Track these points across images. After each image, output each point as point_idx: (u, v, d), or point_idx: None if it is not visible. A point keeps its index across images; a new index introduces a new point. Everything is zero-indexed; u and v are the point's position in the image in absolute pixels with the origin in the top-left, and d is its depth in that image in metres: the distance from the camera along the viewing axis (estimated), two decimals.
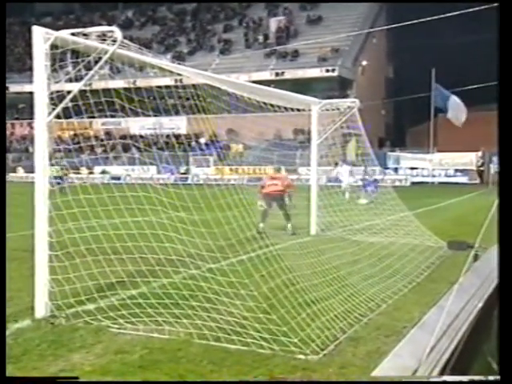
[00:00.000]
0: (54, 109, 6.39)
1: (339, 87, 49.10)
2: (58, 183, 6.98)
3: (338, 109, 13.46)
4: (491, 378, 2.21)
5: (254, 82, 15.66)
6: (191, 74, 8.78)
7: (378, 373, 2.25)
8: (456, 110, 34.97)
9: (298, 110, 13.19)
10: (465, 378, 2.11)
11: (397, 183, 35.68)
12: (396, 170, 44.64)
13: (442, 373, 2.28)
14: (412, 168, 44.71)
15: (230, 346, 5.32)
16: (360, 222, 13.14)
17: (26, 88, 49.55)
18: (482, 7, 23.07)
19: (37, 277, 6.32)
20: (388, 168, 43.36)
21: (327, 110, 13.54)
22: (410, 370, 2.21)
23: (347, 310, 6.28)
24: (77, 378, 3.76)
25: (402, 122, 63.38)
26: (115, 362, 5.00)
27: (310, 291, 6.49)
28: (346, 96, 41.93)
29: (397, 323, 6.11)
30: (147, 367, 4.87)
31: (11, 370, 4.76)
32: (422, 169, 44.52)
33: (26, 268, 6.91)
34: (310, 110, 13.06)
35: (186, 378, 4.63)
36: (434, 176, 43.66)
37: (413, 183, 40.54)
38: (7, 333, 5.73)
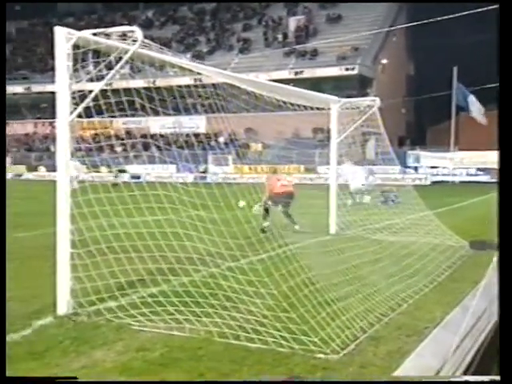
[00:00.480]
0: (75, 108, 6.44)
1: (359, 86, 48.85)
2: (78, 182, 7.04)
3: (358, 107, 13.38)
4: (491, 378, 2.18)
5: (273, 80, 15.67)
6: (211, 72, 8.81)
7: (399, 373, 2.23)
8: (477, 108, 34.67)
9: (318, 108, 13.14)
10: (465, 378, 2.08)
11: (417, 182, 35.43)
12: (416, 168, 44.29)
13: (465, 373, 2.26)
14: (432, 167, 44.34)
15: (250, 344, 5.32)
16: (380, 221, 13.05)
17: (48, 88, 50.16)
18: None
19: (59, 274, 6.38)
20: (408, 167, 43.07)
21: (347, 108, 13.47)
22: (433, 370, 2.18)
23: (367, 310, 6.24)
24: (76, 378, 3.77)
25: (423, 121, 62.86)
26: (136, 360, 5.03)
27: (329, 290, 6.46)
28: (365, 94, 41.75)
29: (418, 323, 6.06)
30: (168, 365, 4.89)
31: (34, 367, 4.82)
32: (443, 168, 44.15)
33: (47, 266, 6.97)
34: (329, 109, 13.00)
35: (207, 377, 4.64)
36: (454, 175, 43.27)
37: (433, 182, 40.20)
38: (30, 330, 5.81)
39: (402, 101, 57.25)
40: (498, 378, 2.12)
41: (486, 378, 2.16)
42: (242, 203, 8.64)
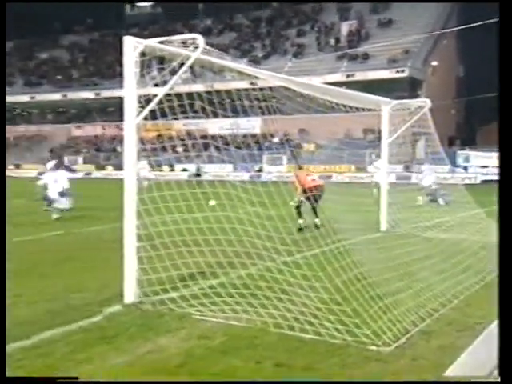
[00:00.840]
0: (141, 111, 6.58)
1: (409, 88, 47.86)
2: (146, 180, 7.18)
3: (409, 109, 13.13)
4: (491, 378, 2.09)
5: (326, 83, 15.54)
6: (266, 76, 8.82)
7: (454, 367, 2.17)
8: None
9: (369, 109, 12.97)
10: (465, 378, 1.99)
11: (466, 181, 34.42)
12: (466, 168, 43.10)
13: None
14: (482, 166, 43.04)
15: (304, 335, 5.31)
16: (430, 219, 12.77)
17: (116, 93, 51.44)
18: None
19: (126, 266, 6.53)
20: (458, 166, 41.95)
21: (398, 110, 13.24)
22: (486, 368, 2.12)
23: (418, 305, 6.12)
24: (76, 378, 3.83)
25: (473, 121, 61.07)
26: (199, 347, 5.10)
27: (381, 285, 6.36)
28: (415, 96, 40.79)
29: (469, 319, 5.91)
30: (227, 353, 4.93)
31: (105, 351, 4.96)
32: (493, 167, 42.75)
33: (115, 258, 7.15)
34: (379, 110, 12.83)
35: (264, 364, 4.66)
36: None
37: (483, 181, 38.96)
38: (100, 317, 5.97)
39: (452, 102, 55.78)
40: (497, 378, 2.04)
41: (485, 378, 2.07)
42: (212, 202, 8.46)
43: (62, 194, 14.93)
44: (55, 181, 15.09)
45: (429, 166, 18.46)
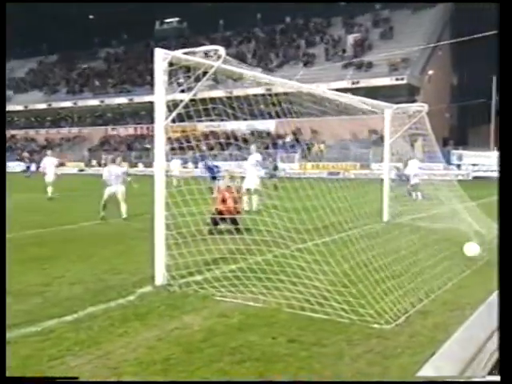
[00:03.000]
0: (169, 114, 6.59)
1: (407, 94, 47.38)
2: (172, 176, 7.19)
3: (407, 112, 13.03)
4: (491, 378, 2.03)
5: (333, 89, 15.49)
6: (280, 83, 8.77)
7: (450, 343, 2.13)
8: None
9: (373, 113, 12.87)
10: (464, 378, 1.93)
11: (459, 177, 34.01)
12: (459, 166, 42.65)
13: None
14: (474, 164, 42.59)
15: (313, 314, 5.28)
16: (427, 210, 12.65)
17: (146, 98, 51.60)
18: None
19: (156, 252, 6.56)
20: (451, 164, 41.53)
21: (398, 113, 13.13)
22: (480, 340, 2.08)
23: (416, 287, 6.08)
24: (77, 378, 3.83)
25: (465, 124, 60.48)
26: (219, 324, 5.10)
27: (384, 269, 6.33)
28: (413, 101, 40.37)
29: (461, 299, 5.85)
30: (245, 329, 4.93)
31: (138, 326, 4.98)
32: (483, 165, 42.26)
33: (146, 244, 7.18)
34: (382, 114, 12.76)
35: (278, 340, 4.65)
36: (493, 171, 41.29)
37: (474, 177, 38.53)
38: (134, 296, 6.01)
39: (446, 107, 55.22)
40: (498, 378, 1.98)
41: (485, 378, 2.02)
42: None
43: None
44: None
45: (414, 162, 17.93)
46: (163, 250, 6.51)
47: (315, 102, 9.97)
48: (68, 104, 67.33)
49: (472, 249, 8.08)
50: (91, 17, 75.14)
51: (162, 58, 6.45)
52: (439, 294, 6.11)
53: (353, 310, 5.22)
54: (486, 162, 42.18)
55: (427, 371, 1.84)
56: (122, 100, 63.87)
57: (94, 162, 55.07)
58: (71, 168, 51.25)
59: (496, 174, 40.00)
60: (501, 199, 2.55)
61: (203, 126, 46.82)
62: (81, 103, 66.50)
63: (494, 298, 2.55)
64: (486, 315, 2.39)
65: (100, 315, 5.32)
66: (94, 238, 10.35)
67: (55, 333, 4.80)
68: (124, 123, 64.51)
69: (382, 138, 13.23)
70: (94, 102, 65.58)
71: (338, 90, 23.78)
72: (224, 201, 10.18)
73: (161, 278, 6.47)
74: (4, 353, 3.55)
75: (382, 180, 13.09)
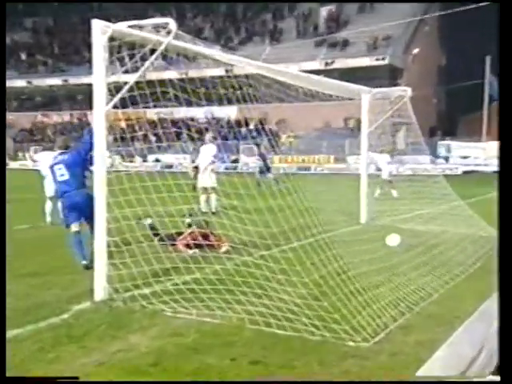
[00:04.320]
0: (111, 99, 6.51)
1: (389, 76, 48.20)
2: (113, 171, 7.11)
3: (389, 98, 13.20)
4: (491, 378, 2.13)
5: (304, 71, 15.58)
6: (242, 63, 8.78)
7: (432, 361, 2.20)
8: None
9: (349, 98, 13.02)
10: (464, 378, 2.03)
11: (447, 172, 34.84)
12: (447, 159, 43.61)
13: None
14: (464, 157, 43.60)
15: (281, 332, 5.32)
16: (410, 211, 12.90)
17: (84, 80, 50.77)
18: None
19: (96, 261, 6.49)
20: (439, 157, 42.45)
21: (377, 98, 13.29)
22: (467, 359, 2.16)
23: (398, 299, 6.20)
24: (77, 378, 3.82)
25: (455, 111, 61.82)
26: (170, 345, 5.08)
27: (361, 279, 6.42)
28: (395, 85, 41.04)
29: (449, 312, 6.00)
30: (201, 350, 4.93)
31: (74, 350, 4.92)
32: (475, 158, 43.35)
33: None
34: (359, 99, 12.83)
35: (238, 362, 4.67)
36: (486, 165, 42.42)
37: (464, 172, 39.48)
38: (69, 314, 5.93)
39: (433, 91, 56.36)
40: (497, 378, 2.08)
41: (486, 378, 2.11)
42: None
43: None
44: None
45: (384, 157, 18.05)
46: (104, 258, 6.44)
47: (283, 85, 10.03)
48: None
49: (393, 239, 8.35)
50: None
51: (100, 30, 6.34)
52: (424, 307, 6.25)
53: (325, 326, 5.28)
54: (477, 154, 43.29)
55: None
56: (55, 81, 62.70)
57: (20, 155, 53.91)
58: None
59: (489, 169, 41.30)
60: (501, 199, 2.63)
61: (152, 113, 46.50)
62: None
63: (485, 307, 2.65)
64: (476, 327, 2.48)
65: (27, 338, 5.22)
66: (20, 246, 10.12)
67: None
68: (57, 108, 63.37)
69: (359, 128, 13.38)
70: (20, 83, 64.11)
71: (309, 71, 23.97)
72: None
73: (101, 291, 6.40)
74: (4, 353, 3.69)
75: (359, 175, 13.26)
